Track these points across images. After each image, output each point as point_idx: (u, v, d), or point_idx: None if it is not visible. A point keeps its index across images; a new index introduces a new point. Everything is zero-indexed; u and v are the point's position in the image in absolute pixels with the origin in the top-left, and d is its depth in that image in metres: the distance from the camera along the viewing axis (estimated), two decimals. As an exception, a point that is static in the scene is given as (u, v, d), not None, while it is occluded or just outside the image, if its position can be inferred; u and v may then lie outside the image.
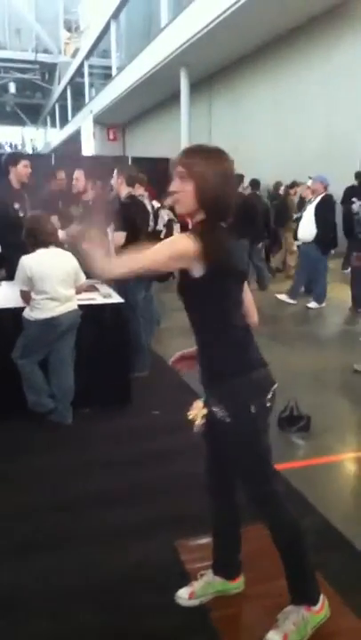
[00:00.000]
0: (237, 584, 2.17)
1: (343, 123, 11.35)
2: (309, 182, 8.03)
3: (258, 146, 13.91)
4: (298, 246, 8.18)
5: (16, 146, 36.39)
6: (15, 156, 5.38)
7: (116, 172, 4.80)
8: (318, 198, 7.25)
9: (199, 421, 1.84)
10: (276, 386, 1.87)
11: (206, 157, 1.73)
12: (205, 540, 2.26)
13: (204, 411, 1.83)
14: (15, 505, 2.86)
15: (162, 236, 6.50)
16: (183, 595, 2.13)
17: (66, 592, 2.25)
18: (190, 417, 1.86)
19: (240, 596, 2.17)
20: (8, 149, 29.66)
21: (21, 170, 5.15)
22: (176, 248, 1.71)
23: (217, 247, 1.72)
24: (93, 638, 2.04)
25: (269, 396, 1.84)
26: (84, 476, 3.14)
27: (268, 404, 1.84)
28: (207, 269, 1.70)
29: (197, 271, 1.71)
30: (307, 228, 7.29)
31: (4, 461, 3.32)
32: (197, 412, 1.84)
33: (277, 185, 10.72)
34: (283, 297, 7.62)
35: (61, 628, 2.07)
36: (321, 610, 1.97)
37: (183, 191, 1.72)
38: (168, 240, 1.76)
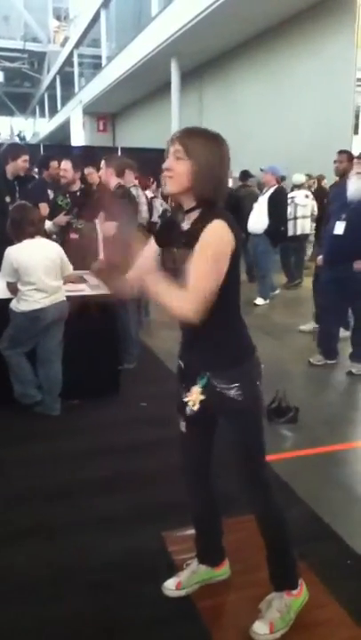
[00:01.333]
0: (223, 571, 2.18)
1: (333, 114, 11.34)
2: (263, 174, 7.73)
3: (249, 137, 13.85)
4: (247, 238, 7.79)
5: (24, 137, 35.92)
6: (17, 150, 5.33)
7: (103, 162, 4.76)
8: (271, 190, 7.13)
9: (197, 407, 1.85)
10: (263, 367, 1.90)
11: (205, 139, 1.69)
12: (192, 531, 2.26)
13: (202, 397, 1.83)
14: (1, 494, 2.86)
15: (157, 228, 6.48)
16: (170, 586, 2.14)
17: (52, 581, 2.25)
18: (189, 402, 1.86)
19: (226, 586, 2.18)
20: (17, 139, 29.26)
21: (20, 164, 5.11)
22: (228, 241, 1.66)
23: (236, 225, 1.70)
24: (80, 628, 2.04)
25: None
26: (71, 466, 3.14)
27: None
28: (232, 251, 1.68)
29: None
30: (258, 219, 7.16)
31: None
32: (196, 397, 1.84)
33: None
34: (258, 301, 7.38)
35: (47, 615, 2.08)
36: (300, 593, 2.01)
37: (178, 170, 1.67)
38: (214, 238, 1.65)
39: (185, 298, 1.63)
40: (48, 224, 5.15)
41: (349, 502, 2.89)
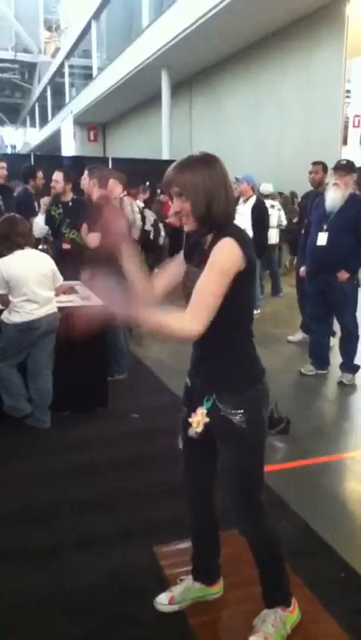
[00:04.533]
0: (217, 589, 2.16)
1: (321, 126, 11.46)
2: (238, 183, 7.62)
3: (237, 147, 13.96)
4: None
5: (15, 147, 35.95)
6: None
7: (86, 173, 4.75)
8: (253, 200, 7.08)
9: (200, 429, 1.81)
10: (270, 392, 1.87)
11: (195, 169, 1.65)
12: (183, 545, 2.25)
13: (207, 419, 1.80)
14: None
15: (151, 237, 6.47)
16: (163, 600, 2.11)
17: (42, 601, 2.20)
18: (193, 424, 1.82)
19: (219, 602, 2.15)
20: (8, 150, 29.31)
21: None
22: (235, 258, 1.63)
23: (250, 244, 1.68)
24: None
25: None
26: (60, 483, 3.09)
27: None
28: (243, 270, 1.65)
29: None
30: None
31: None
32: (200, 419, 1.81)
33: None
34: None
35: (37, 637, 2.03)
36: (293, 611, 1.99)
37: (186, 209, 1.66)
38: (221, 255, 1.63)
39: (183, 316, 1.61)
40: (38, 230, 5.14)
41: (343, 514, 2.88)
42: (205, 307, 1.61)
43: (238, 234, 1.66)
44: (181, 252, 1.89)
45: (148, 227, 6.15)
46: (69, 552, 2.49)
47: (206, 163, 1.67)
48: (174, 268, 1.88)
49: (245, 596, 2.12)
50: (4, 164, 5.19)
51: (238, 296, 1.66)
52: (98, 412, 4.00)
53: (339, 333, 4.98)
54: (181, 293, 1.78)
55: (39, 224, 5.05)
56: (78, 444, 3.56)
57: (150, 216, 6.52)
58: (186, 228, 1.72)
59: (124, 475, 3.18)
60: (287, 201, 10.80)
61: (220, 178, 1.67)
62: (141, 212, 5.80)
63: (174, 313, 1.63)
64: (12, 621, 2.12)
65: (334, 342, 5.14)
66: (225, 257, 1.63)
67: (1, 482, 3.11)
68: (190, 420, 1.83)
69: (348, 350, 4.78)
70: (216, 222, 1.68)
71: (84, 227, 4.62)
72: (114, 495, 2.95)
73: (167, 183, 1.69)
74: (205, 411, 1.80)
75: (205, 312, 1.60)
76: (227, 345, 1.75)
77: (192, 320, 1.60)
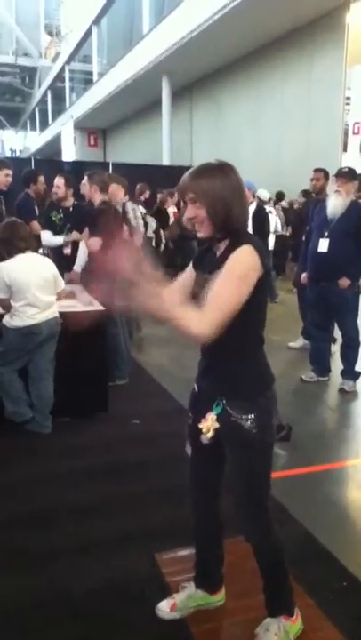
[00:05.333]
0: (219, 597, 2.15)
1: (321, 133, 11.49)
2: None
3: (238, 153, 13.97)
4: None
5: (15, 151, 36.01)
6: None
7: (86, 178, 4.74)
8: (254, 206, 7.01)
9: (211, 434, 1.81)
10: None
11: (212, 177, 1.66)
12: (185, 551, 2.23)
13: (217, 424, 1.80)
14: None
15: (153, 244, 6.50)
16: (164, 607, 2.10)
17: (40, 605, 2.19)
18: (203, 429, 1.82)
19: (221, 610, 2.14)
20: (8, 153, 29.34)
21: (2, 178, 5.13)
22: (254, 266, 1.63)
23: (265, 252, 1.68)
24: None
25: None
26: (60, 487, 3.09)
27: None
28: (260, 277, 1.66)
29: None
30: None
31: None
32: (210, 424, 1.81)
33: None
34: None
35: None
36: (296, 620, 1.98)
37: (200, 216, 1.67)
38: (240, 262, 1.63)
39: (200, 316, 1.60)
40: (47, 239, 5.16)
41: (344, 522, 2.87)
42: (221, 311, 1.60)
43: (255, 242, 1.67)
44: (190, 263, 1.89)
45: (150, 233, 6.16)
46: (68, 556, 2.48)
47: (222, 170, 1.69)
48: (186, 279, 1.87)
49: (248, 605, 2.11)
50: (9, 172, 5.19)
51: (252, 303, 1.65)
52: (98, 416, 4.00)
53: (340, 340, 4.98)
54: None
55: (51, 241, 5.12)
56: (78, 449, 3.55)
57: (152, 222, 6.54)
58: (200, 235, 1.73)
59: (123, 480, 3.17)
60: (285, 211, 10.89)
61: (236, 185, 1.69)
62: (144, 219, 5.82)
63: (194, 311, 1.62)
64: (10, 625, 2.11)
65: (335, 349, 5.14)
66: (245, 264, 1.63)
67: (1, 486, 3.10)
68: (200, 425, 1.82)
69: (349, 357, 4.77)
70: (232, 228, 1.69)
71: (86, 231, 4.62)
72: (114, 500, 2.94)
73: (183, 189, 1.70)
74: (215, 416, 1.80)
75: (220, 317, 1.60)
76: (238, 351, 1.75)
77: (206, 322, 1.60)
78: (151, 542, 2.54)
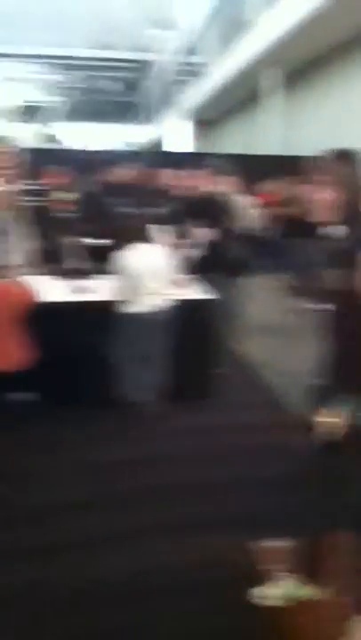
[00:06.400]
0: (313, 590, 2.16)
1: None
2: None
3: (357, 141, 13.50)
4: None
5: (130, 145, 37.22)
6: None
7: (209, 170, 4.86)
8: None
9: (337, 430, 1.74)
10: None
11: (347, 162, 1.64)
12: (284, 543, 2.29)
13: (340, 420, 1.74)
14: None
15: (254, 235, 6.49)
16: (258, 594, 2.19)
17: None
18: (325, 425, 1.77)
19: (313, 603, 2.15)
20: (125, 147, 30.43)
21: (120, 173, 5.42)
22: None
23: None
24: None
25: None
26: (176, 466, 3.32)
27: None
28: None
29: None
30: None
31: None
32: (334, 420, 1.74)
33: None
34: None
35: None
36: None
37: (330, 198, 1.64)
38: None
39: None
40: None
41: None
42: None
43: None
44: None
45: (255, 225, 6.21)
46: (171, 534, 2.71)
47: (354, 157, 1.67)
48: None
49: (340, 601, 2.10)
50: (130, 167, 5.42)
51: None
52: (202, 404, 4.17)
53: None
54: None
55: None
56: (182, 433, 3.78)
57: (256, 214, 6.56)
58: (319, 217, 1.69)
59: (232, 463, 3.35)
60: None
61: None
62: (249, 211, 5.87)
63: None
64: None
65: None
66: None
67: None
68: (320, 419, 1.80)
69: None
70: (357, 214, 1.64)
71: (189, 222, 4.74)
72: (212, 484, 3.14)
73: (317, 168, 1.67)
74: (341, 413, 1.76)
75: None
76: None
77: None
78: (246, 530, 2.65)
